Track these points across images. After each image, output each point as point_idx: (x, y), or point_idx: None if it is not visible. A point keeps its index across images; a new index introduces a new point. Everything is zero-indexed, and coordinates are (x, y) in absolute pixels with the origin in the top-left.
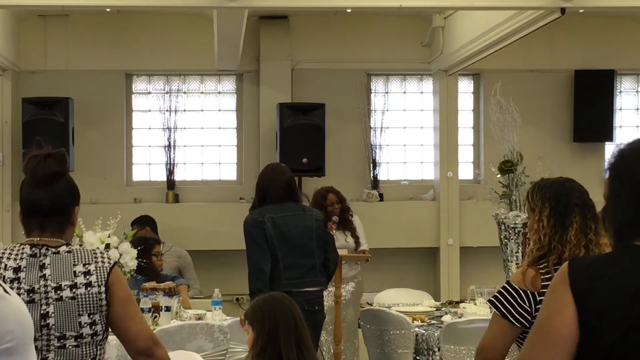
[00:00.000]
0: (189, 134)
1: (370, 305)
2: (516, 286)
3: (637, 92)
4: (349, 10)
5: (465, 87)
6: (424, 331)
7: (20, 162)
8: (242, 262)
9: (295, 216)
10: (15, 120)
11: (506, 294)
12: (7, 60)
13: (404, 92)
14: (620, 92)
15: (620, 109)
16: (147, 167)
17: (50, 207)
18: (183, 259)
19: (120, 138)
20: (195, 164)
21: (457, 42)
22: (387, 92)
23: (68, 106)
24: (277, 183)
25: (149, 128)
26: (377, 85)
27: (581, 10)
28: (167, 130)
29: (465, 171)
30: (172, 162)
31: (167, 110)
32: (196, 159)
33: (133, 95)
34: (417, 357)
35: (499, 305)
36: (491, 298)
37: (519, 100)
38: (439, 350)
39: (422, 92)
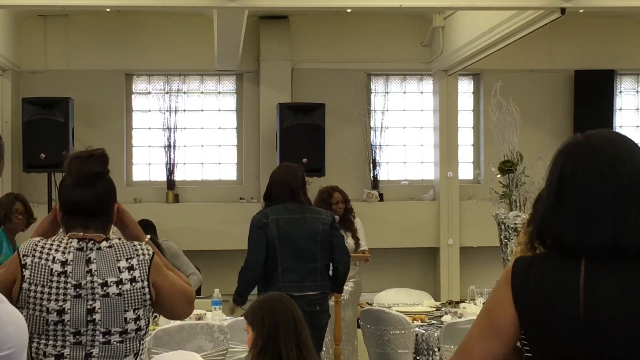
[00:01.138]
0: (189, 134)
1: (370, 305)
2: None
3: (637, 92)
4: (349, 10)
5: (465, 87)
6: (424, 331)
7: (21, 162)
8: (242, 262)
9: (300, 219)
10: (15, 120)
11: None
12: (7, 60)
13: (404, 92)
14: (620, 92)
15: (620, 109)
16: (147, 167)
17: (94, 207)
18: (167, 250)
19: (120, 138)
20: (195, 164)
21: (457, 42)
22: (387, 92)
23: (68, 106)
24: (279, 183)
25: (149, 128)
26: (377, 85)
27: (581, 10)
28: (167, 130)
29: (465, 171)
30: (172, 162)
31: (167, 110)
32: (196, 159)
33: (133, 95)
34: (417, 357)
35: None
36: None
37: (519, 100)
38: (439, 350)
39: (422, 92)
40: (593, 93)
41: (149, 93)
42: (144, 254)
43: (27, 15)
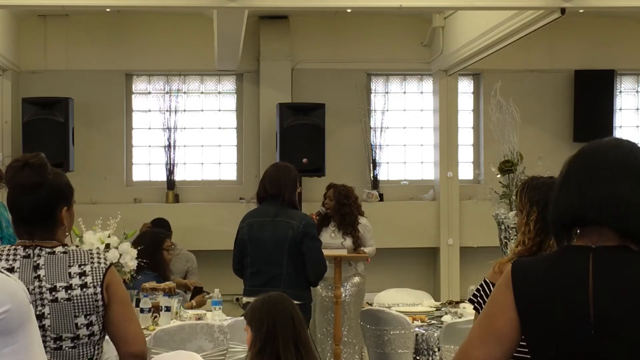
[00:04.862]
0: (189, 134)
1: (370, 305)
2: (489, 281)
3: (637, 92)
4: (349, 10)
5: (465, 87)
6: (424, 331)
7: None
8: None
9: (272, 222)
10: (15, 120)
11: (481, 291)
12: (7, 60)
13: (404, 92)
14: (620, 92)
15: (620, 109)
16: (147, 167)
17: (32, 215)
18: (191, 263)
19: (120, 138)
20: (195, 164)
21: (457, 42)
22: (387, 92)
23: (68, 106)
24: (266, 183)
25: (149, 128)
26: (377, 85)
27: (581, 10)
28: (167, 130)
29: (465, 171)
30: (172, 162)
31: (167, 110)
32: (196, 159)
33: (133, 95)
34: (417, 357)
35: (475, 302)
36: (470, 297)
37: (519, 100)
38: (439, 350)
39: (422, 92)
40: (593, 93)
41: (149, 93)
42: (99, 262)
43: (27, 15)
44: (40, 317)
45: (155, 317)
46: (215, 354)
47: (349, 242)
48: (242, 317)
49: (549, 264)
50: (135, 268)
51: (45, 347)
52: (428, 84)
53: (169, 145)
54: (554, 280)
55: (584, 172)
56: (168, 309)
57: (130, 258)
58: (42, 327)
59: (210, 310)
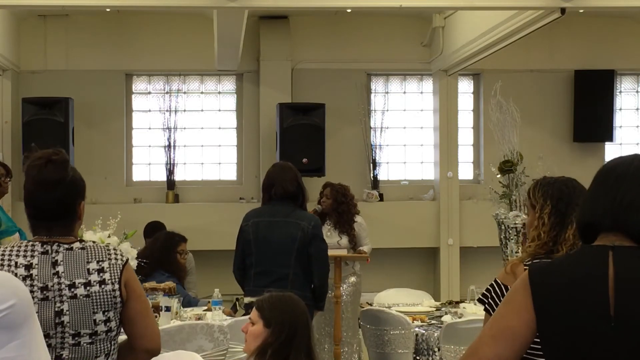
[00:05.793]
0: (189, 134)
1: (370, 305)
2: (501, 283)
3: (637, 92)
4: (349, 10)
5: (465, 87)
6: (424, 331)
7: (20, 162)
8: None
9: (281, 222)
10: (15, 120)
11: (492, 292)
12: (7, 60)
13: (404, 92)
14: (620, 92)
15: (620, 109)
16: (147, 167)
17: (54, 212)
18: (188, 262)
19: (120, 138)
20: (195, 164)
21: (457, 42)
22: (387, 92)
23: (68, 106)
24: (282, 184)
25: (149, 128)
26: (377, 85)
27: (581, 10)
28: (167, 130)
29: (465, 171)
30: (172, 162)
31: (167, 110)
32: (196, 159)
33: (133, 95)
34: (417, 357)
35: (486, 303)
36: (480, 296)
37: (519, 100)
38: (439, 350)
39: (422, 92)
40: (593, 93)
41: (149, 93)
42: (116, 258)
43: (27, 15)
44: (59, 313)
45: (155, 317)
46: (215, 354)
47: (344, 240)
48: (243, 317)
49: (567, 263)
50: (135, 268)
51: (63, 344)
52: (428, 84)
53: (169, 145)
54: (574, 277)
55: (595, 184)
56: (168, 309)
57: (130, 258)
58: (60, 324)
59: (211, 310)
